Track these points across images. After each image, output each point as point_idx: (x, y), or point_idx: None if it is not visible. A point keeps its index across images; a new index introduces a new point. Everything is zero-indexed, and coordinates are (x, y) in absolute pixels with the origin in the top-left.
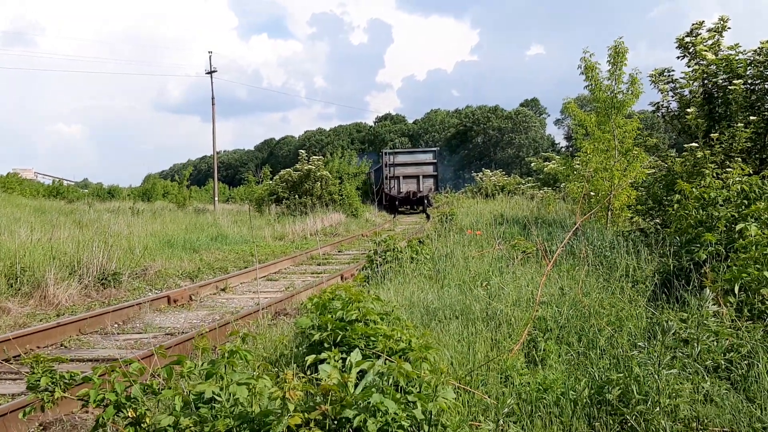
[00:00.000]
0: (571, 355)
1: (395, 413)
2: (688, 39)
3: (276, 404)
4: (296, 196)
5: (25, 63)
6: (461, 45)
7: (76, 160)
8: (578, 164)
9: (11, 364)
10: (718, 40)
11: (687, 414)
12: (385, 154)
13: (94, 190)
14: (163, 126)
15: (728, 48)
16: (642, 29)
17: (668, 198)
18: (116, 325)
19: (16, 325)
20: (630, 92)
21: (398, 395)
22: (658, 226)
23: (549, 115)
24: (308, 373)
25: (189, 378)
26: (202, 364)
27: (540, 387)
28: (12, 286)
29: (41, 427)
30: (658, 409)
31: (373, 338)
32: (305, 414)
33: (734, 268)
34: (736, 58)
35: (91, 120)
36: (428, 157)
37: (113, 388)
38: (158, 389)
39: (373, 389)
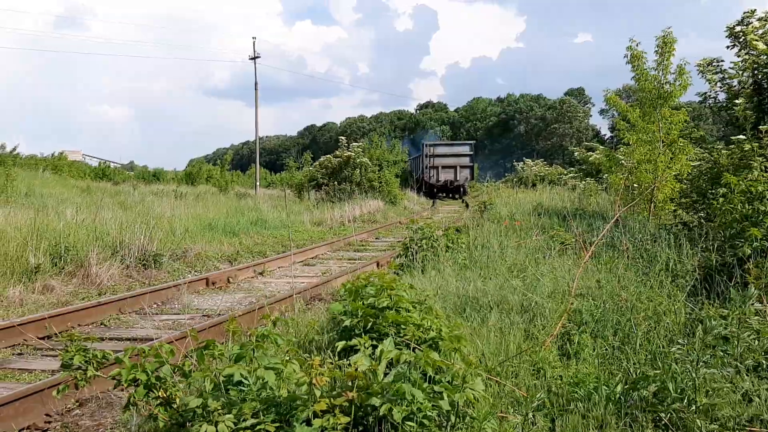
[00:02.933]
0: (606, 349)
1: (421, 403)
2: (738, 28)
3: (303, 389)
4: (335, 182)
5: (75, 46)
6: (507, 32)
7: (120, 142)
8: (621, 155)
9: (46, 342)
10: None
11: (725, 414)
12: (426, 145)
13: (139, 173)
14: (207, 110)
15: None
16: (693, 17)
17: (713, 191)
18: (155, 306)
19: (59, 302)
20: (678, 83)
21: (425, 385)
22: (702, 220)
23: (594, 105)
24: (338, 359)
25: (219, 360)
26: (232, 347)
27: (572, 381)
28: (56, 265)
29: (78, 403)
30: (694, 407)
31: (403, 326)
32: (331, 400)
33: None
34: None
35: (135, 103)
36: (465, 150)
37: (144, 368)
38: (189, 371)
39: (402, 378)
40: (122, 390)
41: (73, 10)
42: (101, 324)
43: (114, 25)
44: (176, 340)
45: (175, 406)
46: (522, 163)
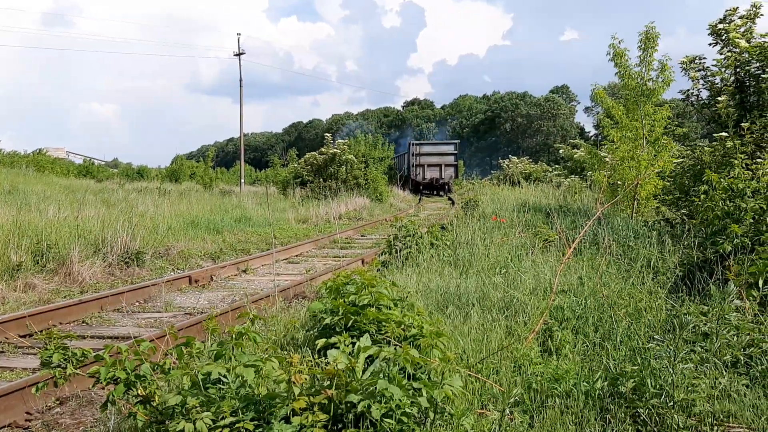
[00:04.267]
0: (587, 345)
1: (400, 400)
2: (721, 26)
3: (282, 387)
4: (321, 179)
5: (63, 43)
6: (494, 29)
7: (109, 139)
8: (605, 153)
9: (27, 340)
10: (750, 27)
11: (702, 409)
12: (412, 144)
13: (123, 170)
14: (195, 107)
15: (762, 35)
16: (682, 15)
17: (695, 188)
18: (137, 304)
19: (40, 300)
20: (660, 80)
21: (404, 382)
22: (684, 217)
23: (579, 103)
24: (318, 357)
25: (198, 359)
26: (211, 345)
27: (552, 377)
28: (38, 263)
29: (58, 401)
30: (672, 403)
31: (384, 323)
32: (310, 398)
33: (759, 261)
34: None
35: (124, 100)
36: (450, 149)
37: (123, 366)
38: (169, 369)
39: (380, 375)
40: (102, 388)
41: (61, 7)
42: (83, 322)
43: (102, 22)
44: (157, 339)
45: (154, 404)
46: (507, 160)
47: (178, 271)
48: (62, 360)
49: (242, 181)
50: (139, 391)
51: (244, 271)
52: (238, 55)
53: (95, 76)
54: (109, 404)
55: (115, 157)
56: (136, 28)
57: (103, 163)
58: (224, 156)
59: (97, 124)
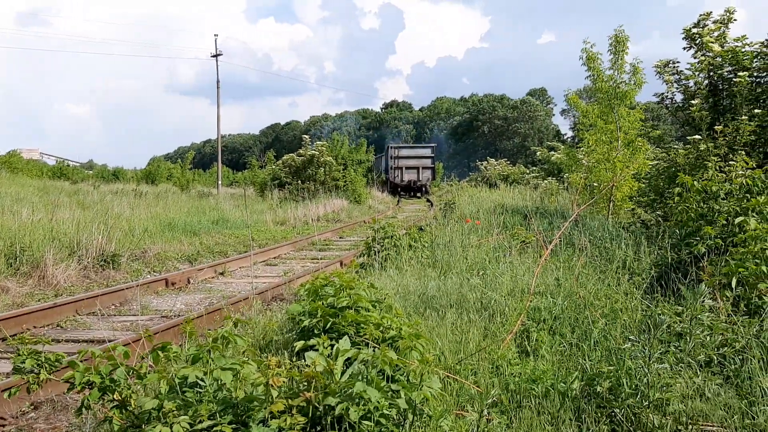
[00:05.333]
0: (564, 346)
1: (378, 402)
2: (695, 30)
3: (260, 390)
4: (299, 181)
5: (39, 43)
6: (472, 32)
7: (84, 140)
8: (581, 155)
9: (0, 344)
10: (724, 31)
11: (677, 409)
12: (390, 147)
13: (98, 172)
14: (172, 108)
15: (735, 40)
16: (660, 18)
17: (670, 190)
18: (113, 307)
19: (14, 304)
20: (633, 82)
21: (383, 384)
22: (660, 219)
23: (556, 105)
24: (296, 359)
25: (175, 362)
26: (189, 349)
27: (529, 377)
28: (11, 266)
29: (33, 406)
30: (647, 402)
31: (363, 326)
32: (288, 400)
33: (732, 262)
34: (743, 50)
35: (100, 100)
36: (427, 152)
37: (98, 371)
38: (145, 373)
39: (359, 377)
40: (78, 393)
41: (36, 7)
42: (57, 326)
43: (78, 22)
44: (133, 342)
45: (130, 408)
46: (485, 162)
47: (155, 273)
48: (35, 365)
49: (219, 182)
50: (115, 396)
51: (222, 274)
52: (215, 56)
53: (71, 77)
54: (84, 409)
55: (91, 158)
56: (113, 28)
57: (78, 164)
58: (201, 157)
59: (72, 125)
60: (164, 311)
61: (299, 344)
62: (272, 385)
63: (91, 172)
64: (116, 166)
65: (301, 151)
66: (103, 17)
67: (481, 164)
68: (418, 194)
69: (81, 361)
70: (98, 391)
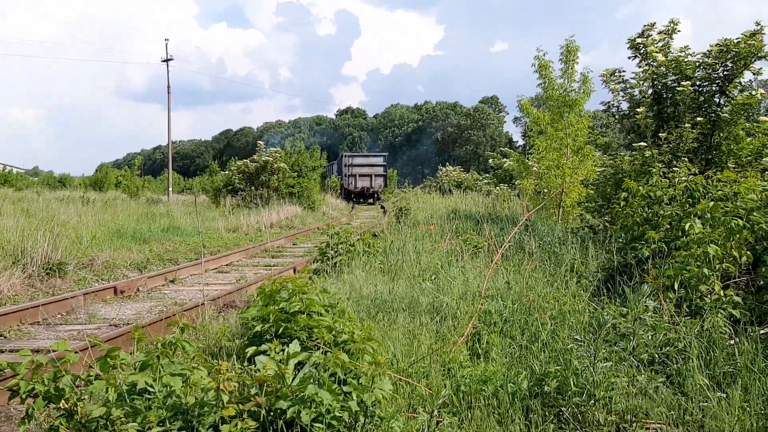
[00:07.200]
0: (514, 348)
1: (330, 404)
2: (639, 40)
3: (210, 395)
4: (253, 187)
5: None
6: (427, 40)
7: (29, 146)
8: (532, 161)
9: None
10: (668, 42)
11: (622, 407)
12: (344, 156)
13: (44, 179)
14: (122, 114)
15: (678, 50)
16: (608, 29)
17: (616, 196)
18: (59, 316)
19: None
20: (582, 91)
21: (335, 387)
22: (607, 224)
23: (508, 113)
24: (248, 365)
25: (123, 369)
26: (138, 355)
27: (480, 379)
28: None
29: None
30: (593, 401)
31: (315, 330)
32: (239, 405)
33: (675, 264)
34: (686, 60)
35: (47, 105)
36: (379, 160)
37: (42, 379)
38: (92, 380)
39: (310, 380)
40: (21, 402)
41: None
42: (1, 336)
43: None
44: (80, 351)
45: (77, 417)
46: (442, 168)
47: (103, 281)
48: None
49: (170, 189)
50: (61, 404)
51: (172, 281)
52: (166, 61)
53: (15, 81)
54: (28, 419)
55: (36, 165)
56: (61, 31)
57: (22, 171)
58: (151, 164)
59: (16, 130)
60: (113, 320)
61: (251, 350)
62: (223, 390)
63: (36, 179)
64: (63, 173)
65: (255, 157)
66: (52, 19)
67: (441, 169)
68: (371, 200)
69: (26, 369)
70: (43, 400)
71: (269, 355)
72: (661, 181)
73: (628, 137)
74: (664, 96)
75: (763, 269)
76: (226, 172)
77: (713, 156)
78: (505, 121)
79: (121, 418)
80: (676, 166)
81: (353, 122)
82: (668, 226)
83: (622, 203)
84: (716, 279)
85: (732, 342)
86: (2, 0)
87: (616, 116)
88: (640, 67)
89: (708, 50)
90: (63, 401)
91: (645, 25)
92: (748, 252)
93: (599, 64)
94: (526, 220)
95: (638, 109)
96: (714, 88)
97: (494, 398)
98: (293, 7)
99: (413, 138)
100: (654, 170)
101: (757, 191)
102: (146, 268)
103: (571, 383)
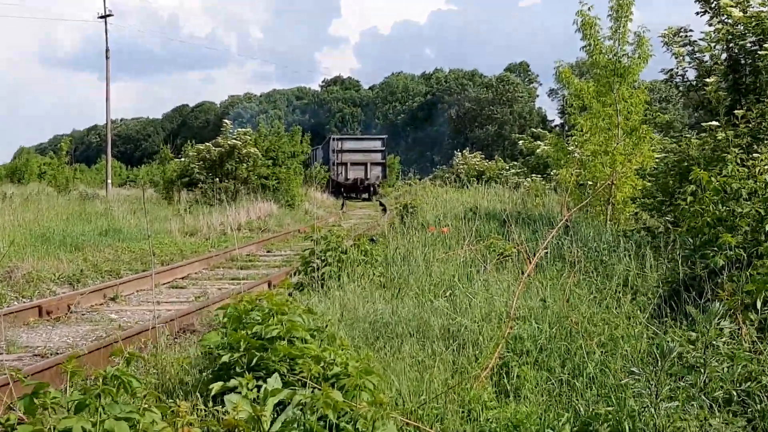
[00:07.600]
0: (552, 383)
1: None
2: None
3: None
4: (216, 178)
5: None
6: None
7: None
8: (572, 146)
9: None
10: None
11: None
12: (333, 139)
13: None
14: (48, 85)
15: (760, 4)
16: None
17: (681, 189)
18: None
19: None
20: (637, 55)
21: None
22: (669, 225)
23: (541, 84)
24: (212, 405)
25: (54, 411)
26: (72, 394)
27: (510, 423)
28: None
29: None
30: None
31: (299, 360)
32: None
33: (757, 277)
34: None
35: None
36: (377, 145)
37: None
38: (14, 425)
39: (294, 425)
40: None
41: None
42: None
43: None
44: None
45: None
46: (458, 154)
47: (24, 300)
48: None
49: (109, 181)
50: None
51: (113, 299)
52: (104, 17)
53: None
54: None
55: None
56: None
57: None
58: (85, 149)
59: None
60: (38, 348)
61: (216, 386)
62: None
63: None
64: None
65: (219, 140)
66: None
67: (456, 156)
68: (366, 195)
69: None
70: None
71: (240, 392)
72: (738, 170)
73: (696, 114)
74: (742, 62)
75: None
76: (182, 160)
77: None
78: (537, 95)
79: None
80: (757, 152)
81: (343, 96)
82: (748, 228)
83: (689, 199)
84: None
85: None
86: None
87: (681, 88)
88: (711, 25)
89: None
90: None
91: None
92: None
93: (659, 21)
94: (565, 220)
95: (708, 79)
96: None
97: None
98: None
99: (420, 116)
100: (729, 157)
101: None
102: (80, 282)
103: (627, 428)
